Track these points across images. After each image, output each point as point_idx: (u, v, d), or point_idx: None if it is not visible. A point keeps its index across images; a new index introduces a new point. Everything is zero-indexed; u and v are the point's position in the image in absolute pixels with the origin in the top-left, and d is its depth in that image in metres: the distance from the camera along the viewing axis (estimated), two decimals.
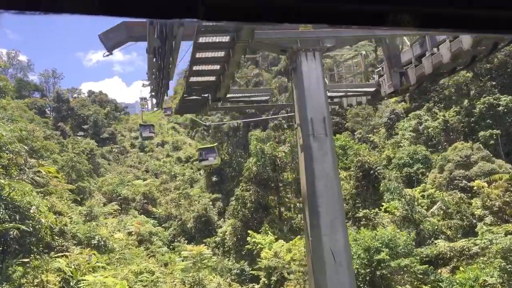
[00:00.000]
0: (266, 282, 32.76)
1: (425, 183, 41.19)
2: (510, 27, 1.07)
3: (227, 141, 67.28)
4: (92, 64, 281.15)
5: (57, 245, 29.42)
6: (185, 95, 17.36)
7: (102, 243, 33.14)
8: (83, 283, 24.34)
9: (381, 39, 15.50)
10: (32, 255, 25.01)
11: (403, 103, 58.55)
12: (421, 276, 26.87)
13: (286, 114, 53.94)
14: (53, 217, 28.21)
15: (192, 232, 53.33)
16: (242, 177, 46.55)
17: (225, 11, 0.99)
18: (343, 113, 59.35)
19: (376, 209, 34.86)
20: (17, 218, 23.22)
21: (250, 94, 20.83)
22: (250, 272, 36.79)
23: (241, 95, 19.52)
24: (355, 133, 58.53)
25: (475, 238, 29.52)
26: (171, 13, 0.97)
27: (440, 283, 26.48)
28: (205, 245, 44.48)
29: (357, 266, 25.02)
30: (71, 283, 25.11)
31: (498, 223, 31.14)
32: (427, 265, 27.70)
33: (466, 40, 11.75)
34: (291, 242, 33.29)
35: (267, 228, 39.26)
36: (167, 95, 17.92)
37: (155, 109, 37.53)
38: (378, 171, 41.46)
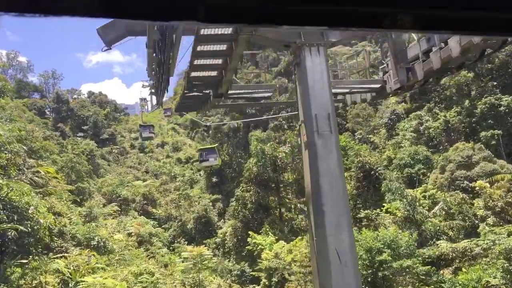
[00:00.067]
0: (266, 283, 32.50)
1: (426, 183, 41.02)
2: (511, 29, 1.06)
3: (227, 141, 67.12)
4: (92, 65, 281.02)
5: (56, 246, 29.18)
6: (185, 91, 16.94)
7: (102, 244, 32.92)
8: (82, 284, 24.10)
9: (387, 34, 15.22)
10: (30, 256, 24.76)
11: (403, 103, 58.43)
12: (423, 277, 26.64)
13: (286, 114, 53.78)
14: (52, 217, 27.99)
15: (192, 233, 53.12)
16: (242, 177, 46.34)
17: (225, 13, 0.99)
18: (344, 113, 59.24)
19: (378, 210, 34.66)
20: (15, 218, 22.99)
21: (252, 91, 20.20)
22: (251, 273, 36.55)
23: (243, 91, 19.00)
24: (356, 133, 58.39)
25: (478, 239, 29.31)
26: (171, 15, 0.97)
27: (443, 284, 26.22)
28: (205, 246, 44.28)
29: (358, 267, 24.78)
30: (70, 285, 24.85)
31: (501, 223, 30.94)
32: (429, 266, 27.46)
33: None
34: (292, 243, 33.05)
35: (267, 229, 39.01)
36: (167, 91, 17.57)
37: (155, 106, 37.29)
38: (379, 171, 41.28)
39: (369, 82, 17.98)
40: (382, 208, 35.03)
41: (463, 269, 27.33)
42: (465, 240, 30.19)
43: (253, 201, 42.71)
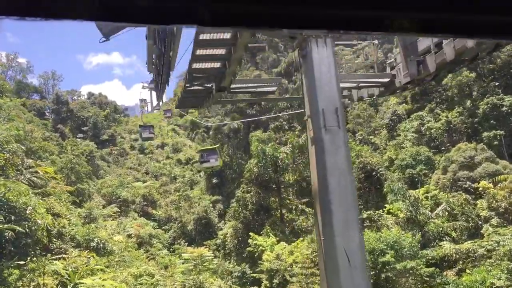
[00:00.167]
0: (268, 285, 32.13)
1: (429, 184, 40.75)
2: (510, 32, 1.06)
3: (228, 142, 66.79)
4: (92, 67, 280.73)
5: (55, 247, 28.82)
6: (187, 85, 16.42)
7: (101, 245, 32.59)
8: (81, 286, 23.74)
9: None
10: (28, 258, 24.37)
11: (404, 104, 58.19)
12: (427, 279, 26.32)
13: (286, 113, 53.48)
14: (50, 218, 27.63)
15: (193, 234, 52.83)
16: (243, 178, 46.00)
17: (225, 17, 1.00)
18: (344, 114, 58.96)
19: (380, 211, 34.38)
20: (13, 219, 22.63)
21: (257, 84, 19.49)
22: (252, 275, 36.18)
23: (247, 85, 18.44)
24: (356, 134, 58.14)
25: (481, 240, 29.04)
26: (171, 19, 0.98)
27: (446, 286, 25.91)
28: (206, 247, 43.99)
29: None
30: (68, 286, 24.48)
31: (505, 224, 30.69)
32: (433, 268, 27.16)
33: None
34: (293, 244, 32.75)
35: (268, 230, 38.66)
36: (167, 85, 17.10)
37: (156, 107, 37.05)
38: (380, 172, 41.01)
39: (378, 76, 17.51)
40: (384, 209, 34.76)
41: (467, 271, 27.04)
42: (469, 241, 29.92)
43: (254, 202, 42.36)
